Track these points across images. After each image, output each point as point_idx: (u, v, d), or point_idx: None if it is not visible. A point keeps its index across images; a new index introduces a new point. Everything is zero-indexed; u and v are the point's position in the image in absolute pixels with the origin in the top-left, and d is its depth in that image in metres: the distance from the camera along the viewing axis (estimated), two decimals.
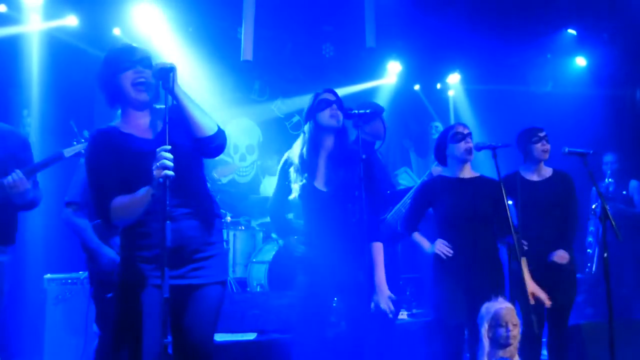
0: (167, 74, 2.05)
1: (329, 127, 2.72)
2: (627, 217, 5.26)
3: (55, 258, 4.63)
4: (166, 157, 1.94)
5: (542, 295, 3.12)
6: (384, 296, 2.65)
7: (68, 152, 3.22)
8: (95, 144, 2.15)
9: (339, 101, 2.77)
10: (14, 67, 5.06)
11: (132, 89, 2.12)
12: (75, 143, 3.30)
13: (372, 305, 2.63)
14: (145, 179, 2.02)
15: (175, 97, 2.08)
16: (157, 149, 1.97)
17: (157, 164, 1.94)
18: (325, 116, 2.71)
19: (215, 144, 2.16)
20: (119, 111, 2.25)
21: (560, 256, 3.41)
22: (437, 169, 3.60)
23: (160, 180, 1.93)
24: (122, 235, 2.20)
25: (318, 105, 2.73)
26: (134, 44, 2.27)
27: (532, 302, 3.05)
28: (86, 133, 3.36)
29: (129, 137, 2.16)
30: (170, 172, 1.93)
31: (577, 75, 6.98)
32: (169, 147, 1.97)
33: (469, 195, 3.14)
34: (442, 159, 3.27)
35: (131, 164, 2.10)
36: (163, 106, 2.09)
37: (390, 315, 2.69)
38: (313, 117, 2.74)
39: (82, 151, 3.24)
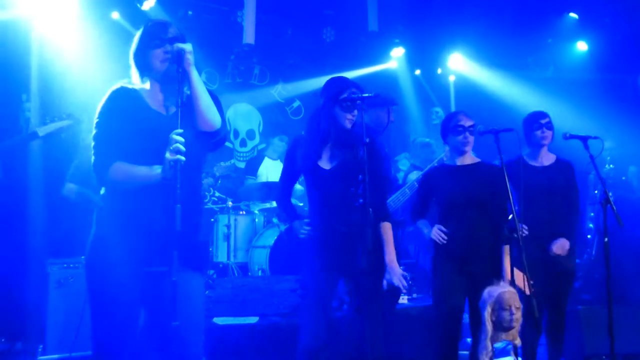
0: (181, 55, 2.07)
1: (339, 125, 2.69)
2: (628, 202, 5.29)
3: (57, 242, 4.64)
4: (179, 140, 1.97)
5: (521, 284, 3.11)
6: (397, 273, 2.66)
7: (42, 130, 3.19)
8: (113, 98, 2.17)
9: (359, 99, 2.67)
10: (13, 51, 5.02)
11: (160, 64, 2.16)
12: (48, 121, 3.26)
13: (385, 283, 2.64)
14: (149, 151, 2.06)
15: (188, 80, 2.08)
16: (170, 133, 1.98)
17: (171, 147, 1.97)
18: (345, 119, 2.67)
19: (217, 138, 2.17)
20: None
21: (560, 246, 3.43)
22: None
23: (172, 163, 1.95)
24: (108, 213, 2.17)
25: (341, 102, 2.66)
26: (169, 21, 2.28)
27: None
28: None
29: (147, 107, 2.17)
30: (182, 157, 1.96)
31: (578, 60, 6.95)
32: (182, 130, 1.99)
33: (466, 183, 3.16)
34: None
35: (140, 132, 2.11)
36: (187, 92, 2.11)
37: (404, 291, 2.75)
38: (331, 110, 2.67)
39: (57, 130, 3.22)
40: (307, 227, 2.73)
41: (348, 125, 2.69)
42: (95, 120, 2.17)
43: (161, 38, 2.16)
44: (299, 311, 2.75)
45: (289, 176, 2.90)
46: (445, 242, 3.07)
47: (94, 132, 2.18)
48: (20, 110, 4.99)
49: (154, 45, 2.16)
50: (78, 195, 3.76)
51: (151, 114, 2.17)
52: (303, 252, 2.77)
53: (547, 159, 3.63)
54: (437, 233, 3.10)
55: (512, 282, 2.94)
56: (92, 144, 2.17)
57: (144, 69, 2.20)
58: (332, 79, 2.79)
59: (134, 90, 2.20)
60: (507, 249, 3.08)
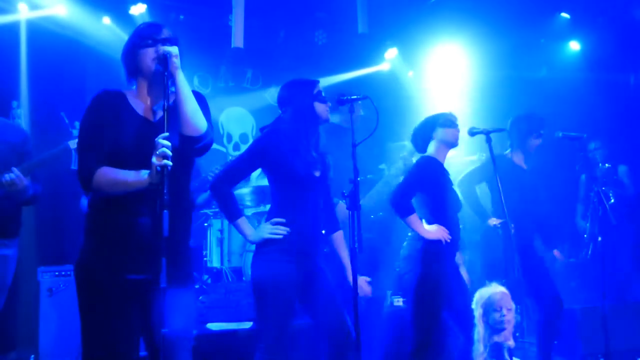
0: (167, 59, 2.05)
1: (324, 120, 2.71)
2: (621, 201, 5.30)
3: (48, 250, 4.61)
4: (165, 145, 1.93)
5: None
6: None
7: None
8: (99, 103, 2.12)
9: (349, 101, 2.71)
10: (2, 58, 5.00)
11: (151, 63, 2.12)
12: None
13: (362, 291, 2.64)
14: (133, 159, 2.03)
15: (174, 84, 2.06)
16: (157, 138, 1.94)
17: (157, 152, 1.93)
18: (322, 108, 2.69)
19: (202, 143, 2.11)
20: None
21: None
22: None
23: (159, 169, 1.92)
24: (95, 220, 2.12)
25: (318, 96, 2.70)
26: (162, 23, 2.24)
27: None
28: (77, 124, 3.35)
29: (133, 112, 2.14)
30: (169, 162, 1.92)
31: (571, 60, 6.95)
32: (167, 134, 1.95)
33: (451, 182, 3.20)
34: (422, 144, 3.23)
35: (125, 138, 2.07)
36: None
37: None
38: (310, 105, 2.68)
39: None
40: (285, 228, 2.56)
41: (327, 116, 2.71)
42: (80, 127, 2.14)
43: (154, 38, 2.14)
44: (263, 315, 2.58)
45: (247, 171, 2.73)
46: (448, 241, 2.99)
47: (78, 138, 2.14)
48: (11, 116, 4.97)
49: (146, 45, 2.13)
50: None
51: (137, 120, 2.13)
52: (271, 254, 2.59)
53: (524, 164, 3.66)
54: (442, 233, 2.98)
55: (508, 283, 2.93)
56: (77, 151, 2.14)
57: (134, 70, 2.17)
58: (290, 82, 2.77)
59: (119, 94, 2.16)
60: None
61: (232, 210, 2.66)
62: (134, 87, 2.19)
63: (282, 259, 2.55)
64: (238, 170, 2.70)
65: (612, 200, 5.13)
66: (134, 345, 2.14)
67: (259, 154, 2.67)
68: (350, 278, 2.54)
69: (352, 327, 2.49)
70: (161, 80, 2.07)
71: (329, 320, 2.59)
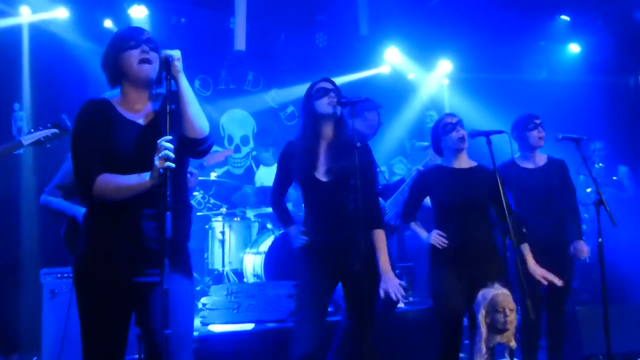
0: (170, 62, 2.04)
1: (326, 114, 2.71)
2: (620, 202, 5.30)
3: (50, 252, 4.61)
4: (168, 147, 1.93)
5: (550, 277, 3.11)
6: (394, 283, 2.61)
7: (26, 139, 3.14)
8: (86, 114, 2.10)
9: (336, 89, 2.77)
10: (4, 60, 5.02)
11: (137, 66, 2.09)
12: (32, 130, 3.21)
13: (381, 292, 2.59)
14: (128, 163, 2.03)
15: (177, 87, 2.05)
16: (159, 140, 1.94)
17: (160, 154, 1.92)
18: (322, 104, 2.70)
19: (203, 146, 2.12)
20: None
21: (581, 250, 3.45)
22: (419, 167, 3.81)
23: (161, 171, 1.92)
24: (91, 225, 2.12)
25: (315, 94, 2.72)
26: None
27: (544, 283, 3.11)
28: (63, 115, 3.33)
29: (121, 117, 2.12)
30: (172, 164, 1.92)
31: (571, 62, 6.98)
32: (170, 137, 1.95)
33: (464, 185, 3.13)
34: (439, 151, 3.31)
35: (117, 144, 2.06)
36: (163, 92, 2.08)
37: (401, 304, 2.75)
38: (311, 106, 2.72)
39: (42, 139, 3.18)
40: (304, 237, 2.73)
41: (330, 109, 2.71)
42: (72, 139, 2.12)
43: (137, 39, 2.11)
44: (294, 316, 2.75)
45: (282, 181, 2.91)
46: (445, 246, 3.03)
47: (71, 151, 2.11)
48: (12, 119, 4.98)
49: (130, 47, 2.10)
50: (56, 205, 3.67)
51: (127, 125, 2.11)
52: (298, 259, 2.76)
53: (540, 159, 3.64)
54: (437, 238, 3.06)
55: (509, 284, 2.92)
56: (73, 162, 2.09)
57: (117, 73, 2.13)
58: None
59: (104, 102, 2.14)
60: (526, 247, 3.17)
61: (283, 219, 2.94)
62: (118, 92, 2.16)
63: (308, 260, 2.72)
64: (278, 183, 2.93)
65: None
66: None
67: (281, 164, 2.88)
68: (388, 273, 2.67)
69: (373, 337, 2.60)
70: (159, 85, 2.09)
71: (353, 322, 2.69)
